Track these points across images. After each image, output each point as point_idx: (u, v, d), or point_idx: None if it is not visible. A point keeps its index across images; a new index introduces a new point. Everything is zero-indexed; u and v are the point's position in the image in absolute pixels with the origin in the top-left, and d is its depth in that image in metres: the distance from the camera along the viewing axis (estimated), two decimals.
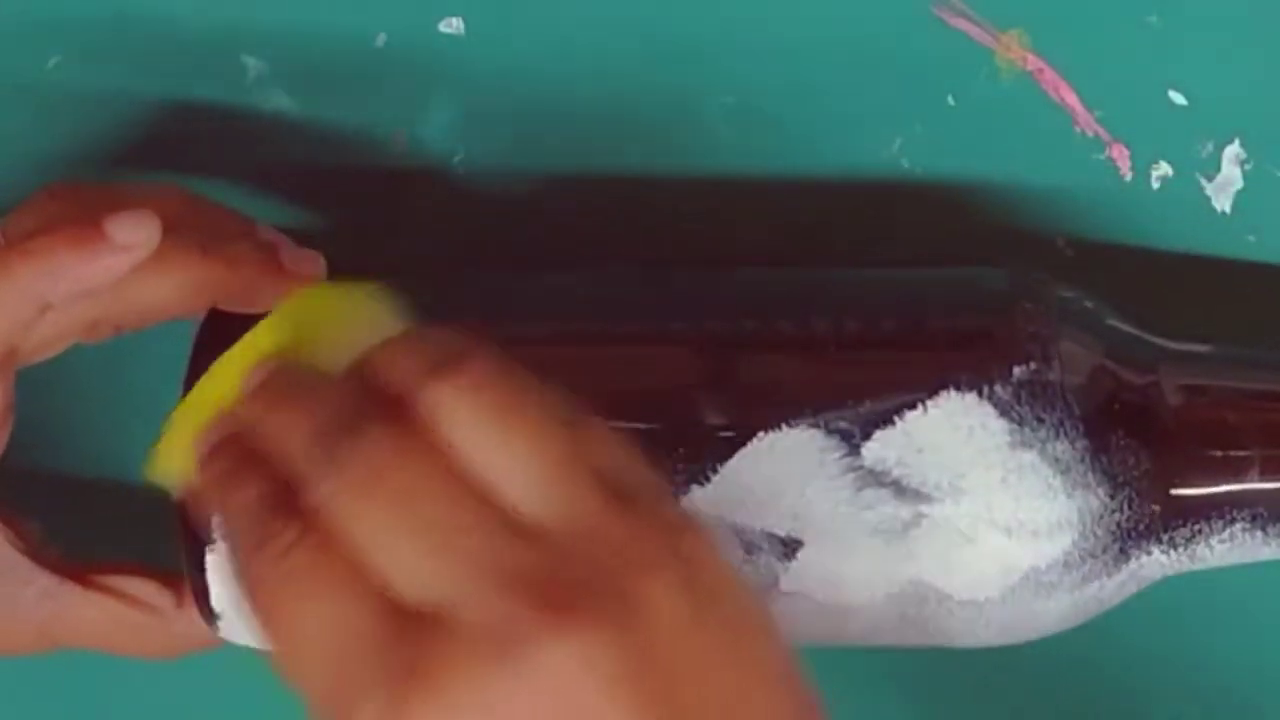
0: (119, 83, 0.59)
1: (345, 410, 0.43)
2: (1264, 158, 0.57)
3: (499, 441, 0.42)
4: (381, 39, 0.58)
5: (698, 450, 0.50)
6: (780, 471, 0.50)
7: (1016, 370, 0.50)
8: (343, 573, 0.42)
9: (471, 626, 0.40)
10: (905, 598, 0.51)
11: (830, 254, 0.58)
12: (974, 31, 0.57)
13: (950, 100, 0.57)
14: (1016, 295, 0.52)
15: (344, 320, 0.48)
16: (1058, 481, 0.50)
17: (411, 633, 0.41)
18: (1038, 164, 0.58)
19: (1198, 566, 0.52)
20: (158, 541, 0.53)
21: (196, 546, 0.51)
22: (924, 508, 0.49)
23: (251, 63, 0.59)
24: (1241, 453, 0.51)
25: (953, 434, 0.49)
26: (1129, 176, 0.57)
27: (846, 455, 0.50)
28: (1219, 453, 0.51)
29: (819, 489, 0.50)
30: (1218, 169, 0.57)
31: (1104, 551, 0.50)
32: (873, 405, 0.50)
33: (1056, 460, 0.49)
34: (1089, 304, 0.53)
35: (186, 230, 0.51)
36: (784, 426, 0.50)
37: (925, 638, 0.52)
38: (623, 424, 0.48)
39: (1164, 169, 0.57)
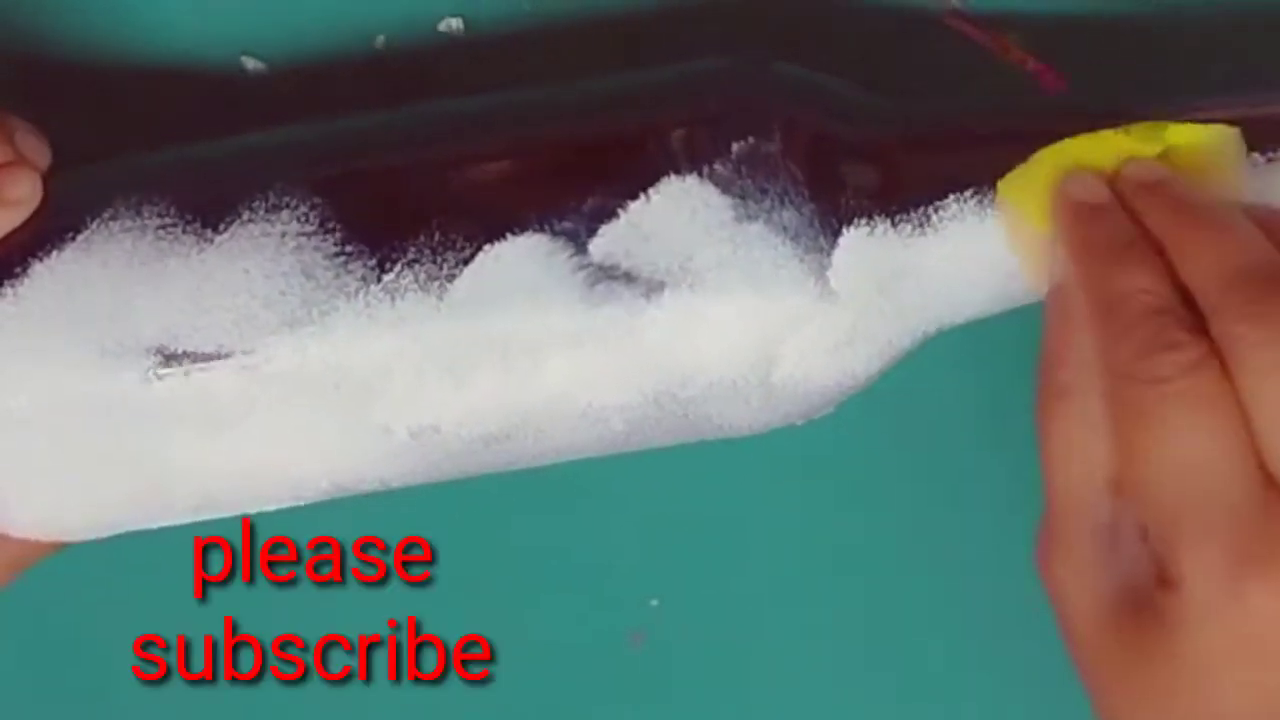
0: (118, 82, 0.59)
1: (1275, 268, 0.46)
2: None
3: None
4: (381, 39, 0.58)
5: (429, 270, 0.50)
6: (511, 282, 0.50)
7: (734, 146, 0.50)
8: (1232, 418, 0.45)
9: None
10: (661, 387, 0.51)
11: None
12: (974, 32, 0.57)
13: None
14: (728, 74, 0.52)
15: (1215, 161, 0.50)
16: (788, 248, 0.50)
17: (1271, 509, 0.45)
18: None
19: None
20: None
21: None
22: (658, 294, 0.50)
23: (251, 63, 0.59)
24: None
25: (677, 217, 0.50)
26: None
27: (574, 255, 0.50)
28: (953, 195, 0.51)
29: (551, 293, 0.50)
30: None
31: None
32: (594, 201, 0.50)
33: (784, 228, 0.50)
34: (808, 74, 0.53)
35: None
36: (508, 236, 0.50)
37: (692, 427, 0.52)
38: (350, 251, 0.50)
39: None
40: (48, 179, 0.51)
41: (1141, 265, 0.47)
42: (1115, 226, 0.48)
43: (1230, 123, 0.50)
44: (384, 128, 0.54)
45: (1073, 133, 0.50)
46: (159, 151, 0.54)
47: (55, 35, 0.59)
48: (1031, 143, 0.50)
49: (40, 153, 0.51)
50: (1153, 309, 0.46)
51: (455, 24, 0.58)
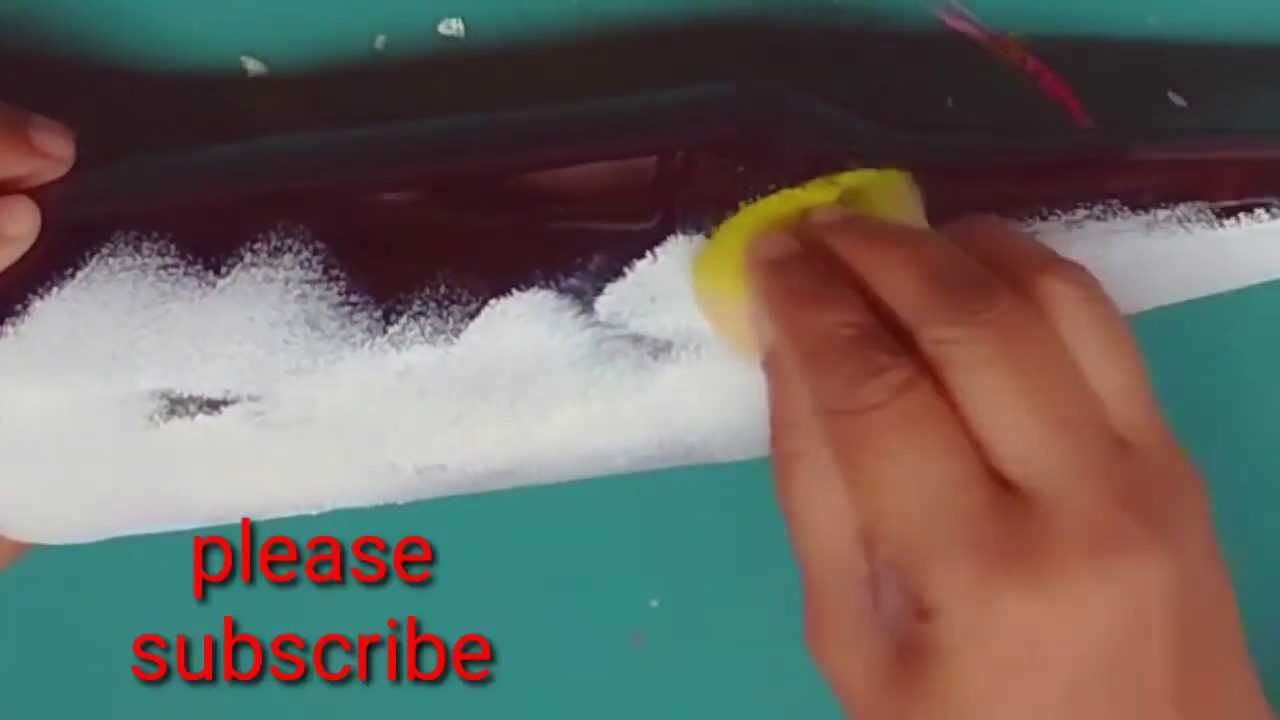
0: (119, 82, 0.59)
1: (968, 269, 0.44)
2: None
3: (1112, 355, 0.44)
4: (381, 40, 0.58)
5: (434, 324, 0.50)
6: (518, 337, 0.50)
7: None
8: (950, 426, 0.43)
9: (1070, 520, 0.42)
10: (664, 435, 0.51)
11: None
12: (974, 32, 0.57)
13: (950, 101, 0.57)
14: (741, 102, 0.52)
15: (890, 200, 0.49)
16: None
17: (1007, 509, 0.42)
18: None
19: None
20: None
21: None
22: (665, 354, 0.50)
23: (252, 64, 0.59)
24: None
25: (684, 279, 0.50)
26: None
27: (581, 313, 0.50)
28: None
29: (558, 349, 0.50)
30: None
31: None
32: (601, 259, 0.50)
33: None
34: (822, 108, 0.53)
35: None
36: (514, 292, 0.50)
37: (690, 459, 0.53)
38: (355, 301, 0.50)
39: None
40: (45, 191, 0.51)
41: (837, 302, 0.45)
42: (807, 272, 0.47)
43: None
44: (383, 150, 0.53)
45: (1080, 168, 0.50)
46: (158, 156, 0.54)
47: (54, 37, 0.59)
48: (1040, 178, 0.50)
49: (65, 151, 0.52)
50: (854, 340, 0.45)
51: (455, 25, 0.58)
